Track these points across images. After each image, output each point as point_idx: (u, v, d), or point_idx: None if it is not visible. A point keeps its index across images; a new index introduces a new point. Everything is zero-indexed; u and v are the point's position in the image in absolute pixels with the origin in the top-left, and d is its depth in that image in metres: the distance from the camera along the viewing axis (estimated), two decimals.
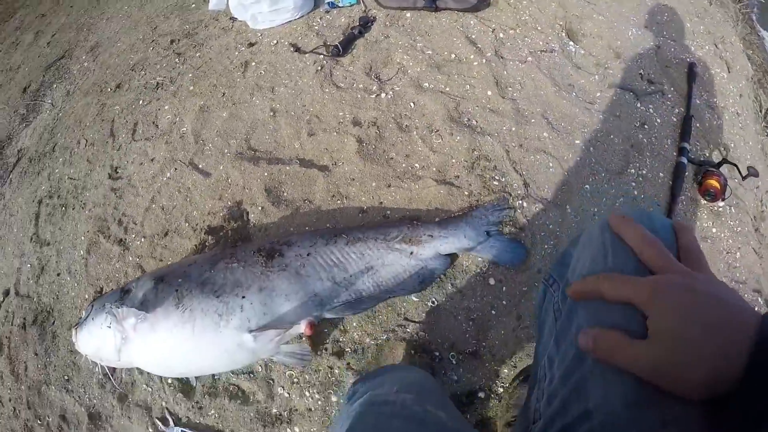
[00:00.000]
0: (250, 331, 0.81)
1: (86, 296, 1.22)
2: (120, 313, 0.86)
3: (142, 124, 1.43)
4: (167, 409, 1.02)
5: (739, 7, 2.27)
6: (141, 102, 1.49)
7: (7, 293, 1.43)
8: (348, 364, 0.93)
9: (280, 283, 0.86)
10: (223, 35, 1.55)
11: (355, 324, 0.95)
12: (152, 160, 1.30)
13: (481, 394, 0.93)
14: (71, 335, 0.99)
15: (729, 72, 1.54)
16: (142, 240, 1.18)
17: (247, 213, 1.11)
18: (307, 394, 0.93)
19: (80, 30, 2.05)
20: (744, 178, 1.12)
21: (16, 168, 1.71)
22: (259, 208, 1.11)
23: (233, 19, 1.60)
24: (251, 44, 1.48)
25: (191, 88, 1.43)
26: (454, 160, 1.14)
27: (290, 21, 1.49)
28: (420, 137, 1.17)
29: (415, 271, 0.96)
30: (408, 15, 1.45)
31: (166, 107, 1.43)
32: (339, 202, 1.09)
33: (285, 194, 1.12)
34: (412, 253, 0.96)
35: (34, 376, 1.24)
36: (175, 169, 1.24)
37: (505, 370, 0.95)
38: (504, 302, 1.00)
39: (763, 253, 1.18)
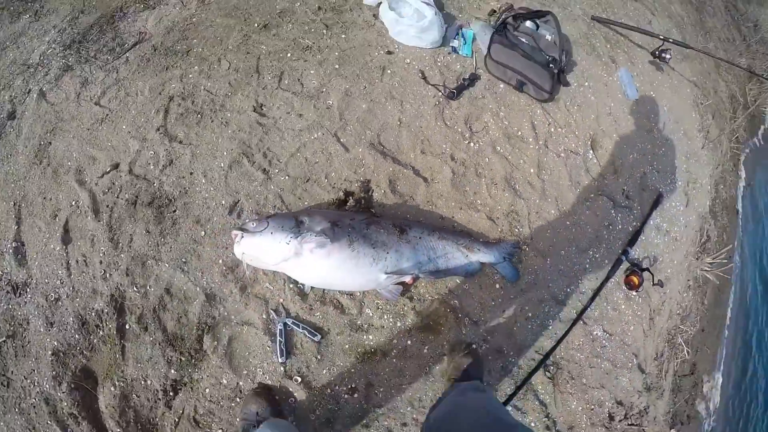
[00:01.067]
0: (385, 273, 1.65)
1: (222, 202, 1.86)
2: (306, 238, 1.59)
3: (288, 76, 2.06)
4: (282, 304, 1.76)
5: (732, 146, 3.46)
6: (289, 55, 2.10)
7: (116, 166, 1.95)
8: (414, 307, 1.82)
9: (405, 250, 1.70)
10: (366, 29, 2.22)
11: (423, 284, 1.84)
12: (300, 115, 1.98)
13: (474, 345, 1.90)
14: (235, 237, 1.58)
15: (686, 206, 2.55)
16: (286, 177, 1.88)
17: (373, 191, 1.89)
18: (384, 317, 1.79)
19: None
20: (653, 284, 2.12)
21: (136, 50, 2.18)
22: (382, 191, 1.90)
23: (375, 16, 2.28)
24: (389, 52, 2.18)
25: (337, 66, 2.10)
26: (499, 207, 2.06)
27: (422, 48, 2.24)
28: (485, 185, 2.06)
29: (465, 265, 1.88)
30: (501, 86, 2.30)
31: (312, 72, 2.08)
32: (430, 206, 1.94)
33: (399, 188, 1.93)
34: (467, 255, 1.87)
35: (141, 250, 1.80)
36: (322, 134, 1.95)
37: (485, 335, 1.93)
38: (500, 300, 1.95)
39: (649, 333, 2.18)
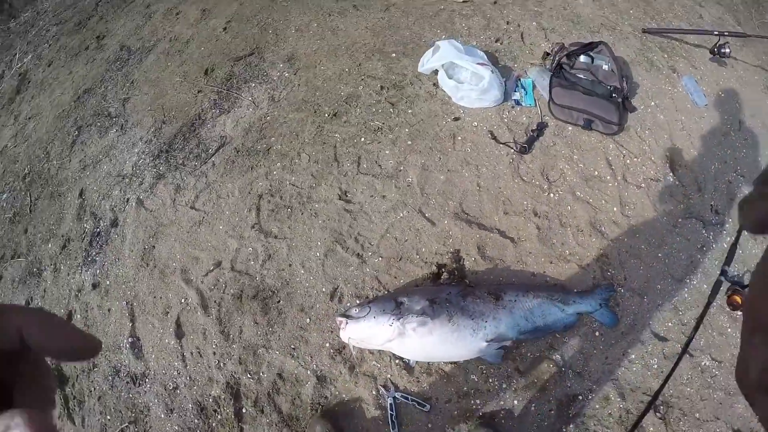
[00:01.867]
0: (487, 341, 1.85)
1: (323, 289, 2.12)
2: (407, 319, 1.84)
3: (365, 160, 2.34)
4: (390, 379, 1.99)
5: None
6: (363, 139, 2.39)
7: (218, 264, 2.26)
8: (517, 367, 2.00)
9: (502, 316, 1.90)
10: (429, 100, 2.47)
11: (524, 343, 2.02)
12: (383, 197, 2.25)
13: (581, 397, 2.06)
14: (340, 323, 1.82)
15: None
16: (380, 259, 2.14)
17: (463, 260, 2.11)
18: (489, 381, 1.98)
19: (264, 30, 2.82)
20: None
21: (220, 153, 2.54)
22: (473, 258, 2.11)
23: (436, 85, 2.52)
24: (456, 119, 2.42)
25: (409, 142, 2.36)
26: (588, 254, 2.21)
27: (486, 108, 2.46)
28: (572, 233, 2.22)
29: (562, 320, 2.04)
30: (570, 129, 2.46)
31: (387, 152, 2.35)
32: (521, 265, 2.13)
33: (488, 252, 2.13)
34: (563, 309, 2.03)
35: (252, 340, 2.06)
36: (407, 212, 2.20)
37: (590, 385, 2.07)
38: (601, 347, 2.09)
39: None
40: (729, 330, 2.20)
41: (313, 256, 2.21)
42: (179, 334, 2.15)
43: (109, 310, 2.30)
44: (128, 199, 2.58)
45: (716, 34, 3.03)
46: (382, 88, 2.56)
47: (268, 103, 2.62)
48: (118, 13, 3.76)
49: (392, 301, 1.91)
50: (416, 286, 2.08)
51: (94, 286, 2.39)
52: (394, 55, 2.68)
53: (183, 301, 2.23)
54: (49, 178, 2.92)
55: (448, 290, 1.96)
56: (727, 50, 3.03)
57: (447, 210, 2.22)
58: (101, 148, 2.89)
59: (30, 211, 2.84)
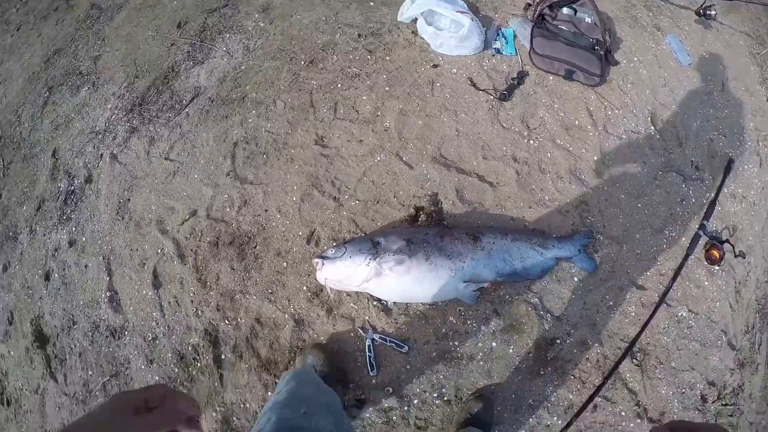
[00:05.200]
0: (464, 281, 1.91)
1: (300, 233, 2.17)
2: (384, 257, 1.89)
3: (342, 106, 2.39)
4: (368, 321, 2.05)
5: None
6: (340, 86, 2.43)
7: (194, 213, 2.31)
8: (495, 309, 2.07)
9: (480, 256, 1.96)
10: (408, 47, 2.53)
11: (503, 286, 2.08)
12: (360, 141, 2.30)
13: (558, 341, 2.13)
14: (316, 264, 1.87)
15: (760, 167, 2.67)
16: (357, 202, 2.19)
17: (441, 203, 2.16)
18: (468, 323, 2.04)
19: None
20: (735, 256, 2.27)
21: (194, 104, 2.58)
22: (451, 201, 2.17)
23: (414, 33, 2.58)
24: (435, 65, 2.48)
25: (387, 88, 2.41)
26: (568, 200, 2.28)
27: (466, 56, 2.53)
28: (551, 179, 2.30)
29: (540, 264, 2.11)
30: (551, 78, 2.53)
31: (364, 98, 2.40)
32: (500, 209, 2.19)
33: (467, 196, 2.19)
34: (542, 253, 2.11)
35: (228, 286, 2.13)
36: (384, 156, 2.25)
37: (568, 329, 2.14)
38: (580, 292, 2.16)
39: (736, 307, 2.30)
40: (706, 283, 2.29)
41: (289, 201, 2.25)
42: (156, 285, 2.20)
43: (86, 267, 2.34)
44: (102, 155, 2.61)
45: None
46: (359, 36, 2.61)
47: (243, 53, 2.66)
48: None
49: (369, 241, 1.96)
50: (393, 228, 2.13)
51: (71, 243, 2.42)
52: (372, 3, 2.74)
53: (159, 251, 2.27)
54: (21, 141, 2.93)
55: (426, 231, 2.02)
56: (714, 12, 3.14)
57: (425, 154, 2.29)
58: (73, 106, 2.90)
59: (3, 175, 2.85)
